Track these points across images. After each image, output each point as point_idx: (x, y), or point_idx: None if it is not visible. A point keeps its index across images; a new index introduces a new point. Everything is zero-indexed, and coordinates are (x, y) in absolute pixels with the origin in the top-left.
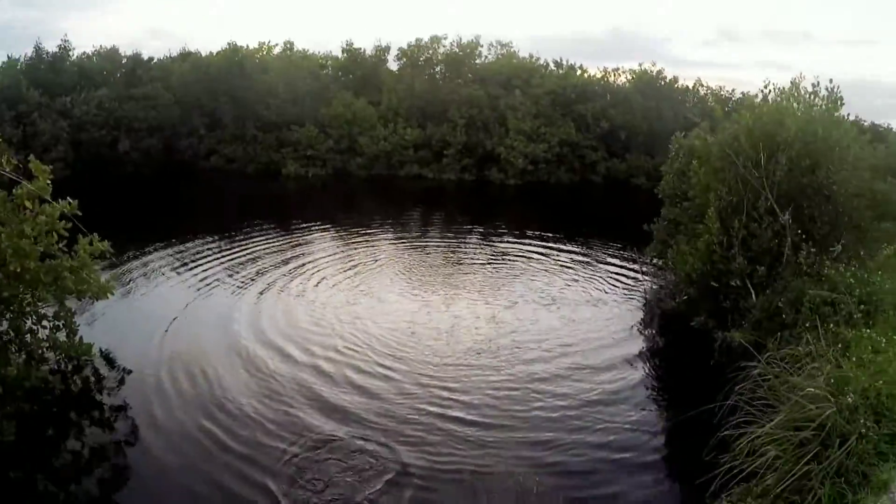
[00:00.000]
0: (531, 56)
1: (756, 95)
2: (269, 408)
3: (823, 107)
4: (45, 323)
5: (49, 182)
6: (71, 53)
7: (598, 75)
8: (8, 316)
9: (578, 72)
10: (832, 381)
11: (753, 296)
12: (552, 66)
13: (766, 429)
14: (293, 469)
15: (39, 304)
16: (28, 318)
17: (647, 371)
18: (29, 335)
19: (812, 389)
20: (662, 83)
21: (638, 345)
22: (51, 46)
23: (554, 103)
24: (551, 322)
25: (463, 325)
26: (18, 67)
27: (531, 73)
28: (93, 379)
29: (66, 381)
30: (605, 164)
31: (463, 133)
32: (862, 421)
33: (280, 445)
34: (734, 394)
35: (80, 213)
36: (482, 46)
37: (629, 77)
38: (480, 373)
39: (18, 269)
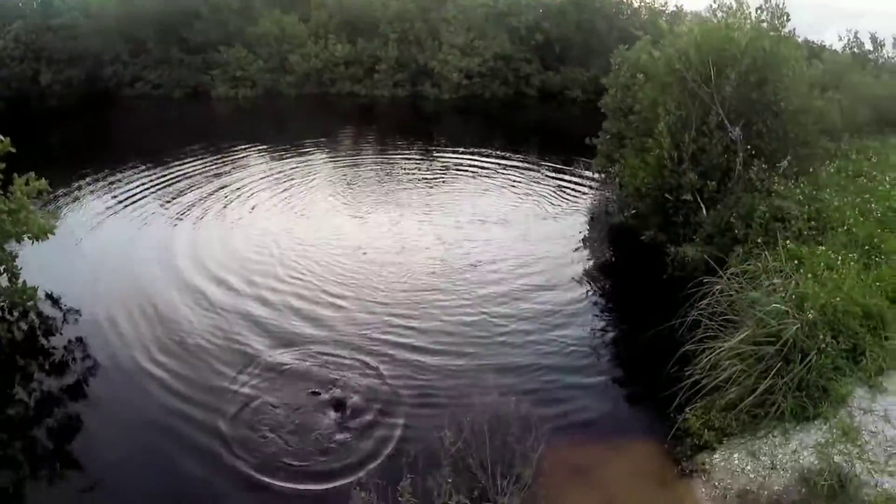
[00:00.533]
0: None
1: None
2: (216, 344)
3: (769, 23)
4: None
5: None
6: None
7: None
8: None
9: None
10: (793, 297)
11: (704, 210)
12: None
13: (730, 344)
14: (242, 410)
15: None
16: None
17: (603, 287)
18: None
19: (776, 305)
20: None
21: (591, 261)
22: None
23: (487, 16)
24: (502, 240)
25: (411, 246)
26: None
27: None
28: (38, 323)
29: (10, 327)
30: (540, 77)
31: (395, 48)
32: (821, 336)
33: (228, 385)
34: (695, 309)
35: (13, 150)
36: None
37: None
38: (435, 297)
39: None
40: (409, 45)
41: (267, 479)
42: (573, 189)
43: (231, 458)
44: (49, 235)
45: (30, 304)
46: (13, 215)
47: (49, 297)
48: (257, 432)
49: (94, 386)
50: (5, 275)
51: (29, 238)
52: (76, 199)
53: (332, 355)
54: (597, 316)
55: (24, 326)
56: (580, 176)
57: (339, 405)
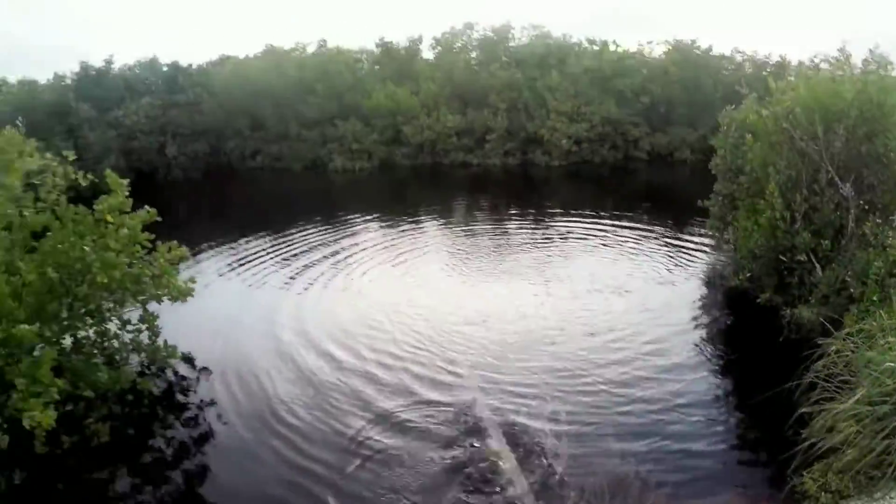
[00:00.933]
0: (564, 35)
1: (798, 63)
2: (339, 406)
3: (874, 73)
4: (128, 327)
5: (127, 195)
6: (113, 67)
7: (633, 49)
8: (93, 323)
9: (613, 47)
10: None
11: (819, 270)
12: (585, 43)
13: (846, 405)
14: (364, 468)
15: (121, 309)
16: (111, 324)
17: (720, 352)
18: (115, 340)
19: (890, 364)
20: (698, 52)
21: (708, 326)
22: (96, 62)
23: (592, 81)
24: (618, 308)
25: (529, 316)
26: (65, 83)
27: (566, 52)
28: (174, 379)
29: (151, 382)
30: (649, 140)
31: (504, 117)
32: None
33: (351, 445)
34: (810, 371)
35: (160, 220)
36: (514, 29)
37: (665, 49)
38: (555, 365)
39: (106, 281)
40: (518, 113)
41: None
42: (688, 252)
43: None
44: (189, 297)
45: (170, 361)
46: (156, 280)
47: (183, 356)
48: (380, 492)
49: (223, 439)
50: (147, 333)
51: (169, 300)
52: (199, 262)
53: (454, 422)
54: (714, 381)
55: (161, 382)
56: (694, 239)
57: (461, 468)
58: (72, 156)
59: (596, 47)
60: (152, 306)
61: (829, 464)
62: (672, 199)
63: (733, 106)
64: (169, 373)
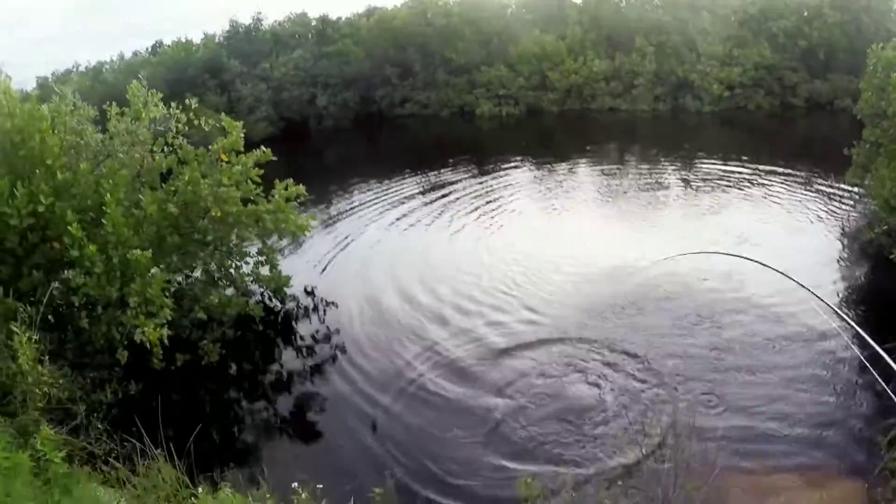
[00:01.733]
0: None
1: None
2: (463, 349)
3: None
4: (248, 260)
5: (241, 135)
6: (261, 24)
7: None
8: (216, 255)
9: None
10: None
11: None
12: None
13: None
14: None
15: (244, 243)
16: (234, 257)
17: (841, 310)
18: (234, 271)
19: None
20: None
21: (836, 283)
22: (245, 19)
23: (743, 23)
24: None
25: (662, 269)
26: (217, 41)
27: None
28: (294, 309)
29: (269, 311)
30: (807, 87)
31: (653, 61)
32: None
33: (475, 392)
34: None
35: (274, 159)
36: None
37: None
38: (675, 306)
39: (219, 214)
40: (668, 57)
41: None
42: (833, 203)
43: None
44: (306, 233)
45: (285, 290)
46: (272, 214)
47: (306, 290)
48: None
49: (338, 369)
50: (266, 265)
51: (293, 233)
52: (348, 204)
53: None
54: (827, 342)
55: (281, 312)
56: (843, 189)
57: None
58: (195, 102)
59: None
60: (295, 244)
61: None
62: (829, 151)
63: (881, 45)
64: (290, 303)
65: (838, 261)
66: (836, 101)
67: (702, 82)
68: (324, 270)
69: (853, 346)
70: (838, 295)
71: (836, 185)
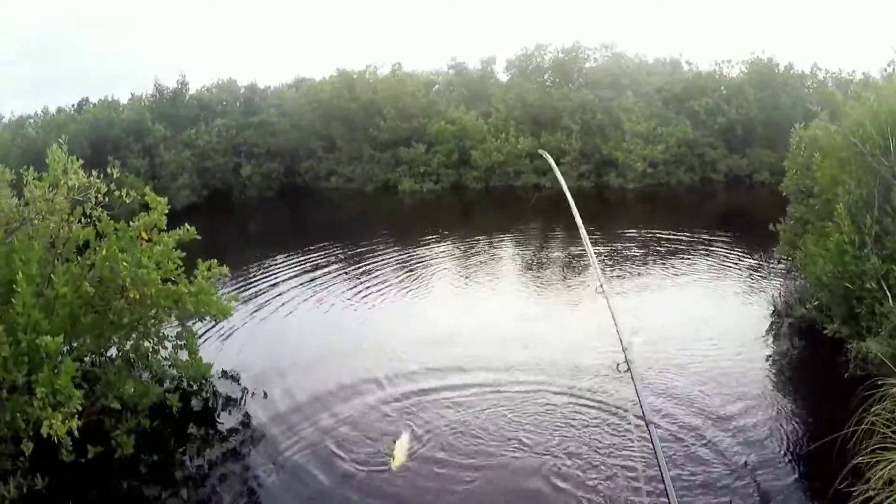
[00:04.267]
0: (637, 55)
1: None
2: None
3: None
4: (166, 343)
5: (165, 213)
6: (187, 88)
7: (709, 69)
8: (133, 337)
9: (686, 66)
10: None
11: (890, 299)
12: (660, 64)
13: None
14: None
15: (162, 324)
16: (150, 340)
17: (776, 388)
18: (151, 355)
19: None
20: (777, 70)
21: (769, 359)
22: (170, 83)
23: (666, 101)
24: (676, 332)
25: (593, 341)
26: (143, 103)
27: (639, 72)
28: (213, 398)
29: (187, 399)
30: (726, 162)
31: (578, 139)
32: None
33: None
34: (870, 414)
35: (199, 238)
36: (586, 48)
37: (742, 68)
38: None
39: (138, 296)
40: (593, 136)
41: None
42: (759, 279)
43: None
44: (230, 315)
45: (207, 378)
46: (194, 297)
47: (225, 374)
48: None
49: (255, 459)
50: (185, 350)
51: (212, 318)
52: (266, 280)
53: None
54: (766, 421)
55: (199, 400)
56: (767, 264)
57: None
58: (117, 171)
59: (669, 67)
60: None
61: None
62: (749, 223)
63: (803, 124)
64: (209, 390)
65: (772, 337)
66: (755, 175)
67: (626, 159)
68: (244, 351)
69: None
70: (772, 369)
71: (761, 259)
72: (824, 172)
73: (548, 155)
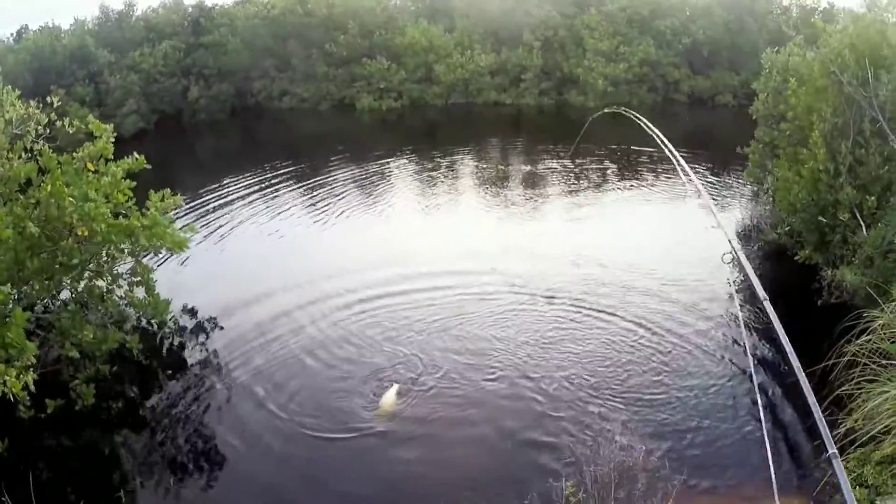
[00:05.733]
0: None
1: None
2: (358, 362)
3: None
4: (121, 282)
5: (112, 142)
6: (134, 9)
7: None
8: (85, 277)
9: None
10: None
11: (864, 229)
12: None
13: (893, 392)
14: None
15: (116, 261)
16: (104, 279)
17: (749, 317)
18: (105, 296)
19: None
20: None
21: (738, 284)
22: (117, 5)
23: (630, 20)
24: (639, 257)
25: (550, 262)
26: (86, 28)
27: None
28: (175, 335)
29: (148, 339)
30: (689, 83)
31: (539, 56)
32: None
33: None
34: (852, 346)
35: (149, 167)
36: None
37: None
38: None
39: (87, 233)
40: (554, 52)
41: None
42: (725, 201)
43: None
44: (185, 248)
45: (167, 316)
46: (147, 230)
47: (186, 309)
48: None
49: (228, 398)
50: (142, 287)
51: (168, 250)
52: (222, 208)
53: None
54: (739, 351)
55: (160, 339)
56: (733, 187)
57: None
58: (58, 100)
59: None
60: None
61: (868, 454)
62: (712, 145)
63: (777, 49)
64: (170, 326)
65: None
66: (718, 97)
67: (587, 78)
68: (203, 284)
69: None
70: (745, 300)
71: (726, 184)
72: (799, 99)
73: (635, 114)
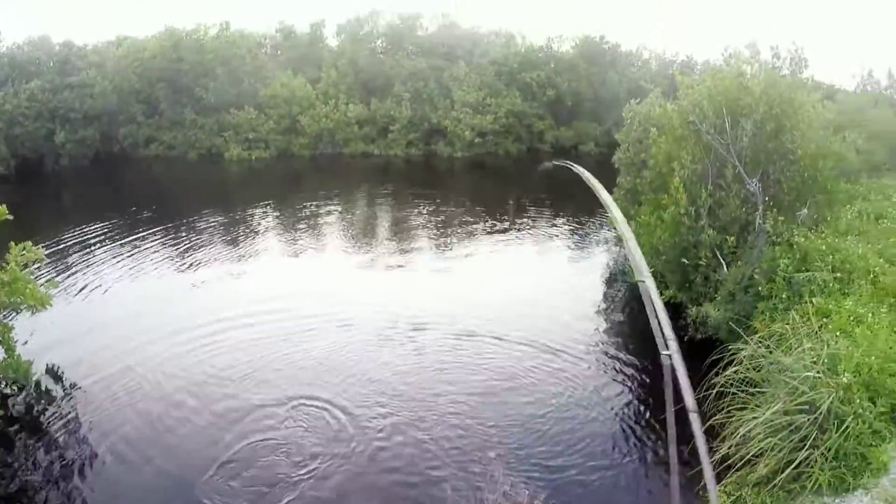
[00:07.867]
0: (473, 26)
1: (705, 63)
2: (222, 417)
3: (787, 69)
4: None
5: None
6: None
7: (541, 43)
8: None
9: (520, 40)
10: (825, 361)
11: (725, 267)
12: (494, 35)
13: (764, 417)
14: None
15: None
16: None
17: (619, 356)
18: None
19: (808, 374)
20: (606, 48)
21: (607, 325)
22: None
23: (498, 73)
24: (512, 304)
25: (422, 309)
26: None
27: (474, 44)
28: (36, 398)
29: (5, 404)
30: (553, 133)
31: (408, 107)
32: (858, 401)
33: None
34: (721, 377)
35: (10, 218)
36: (423, 17)
37: (573, 44)
38: (443, 361)
39: None
40: (423, 104)
41: None
42: (590, 248)
43: None
44: (47, 306)
45: (31, 377)
46: (7, 286)
47: (49, 370)
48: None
49: (94, 460)
50: (2, 348)
51: (28, 309)
52: (85, 257)
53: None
54: (612, 389)
55: (20, 402)
56: (597, 234)
57: None
58: None
59: (503, 39)
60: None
61: (744, 477)
62: (575, 193)
63: (638, 100)
64: (31, 391)
65: (608, 305)
66: (581, 146)
67: (455, 129)
68: (66, 340)
69: None
70: (612, 336)
71: (590, 231)
72: (660, 148)
73: (577, 167)
